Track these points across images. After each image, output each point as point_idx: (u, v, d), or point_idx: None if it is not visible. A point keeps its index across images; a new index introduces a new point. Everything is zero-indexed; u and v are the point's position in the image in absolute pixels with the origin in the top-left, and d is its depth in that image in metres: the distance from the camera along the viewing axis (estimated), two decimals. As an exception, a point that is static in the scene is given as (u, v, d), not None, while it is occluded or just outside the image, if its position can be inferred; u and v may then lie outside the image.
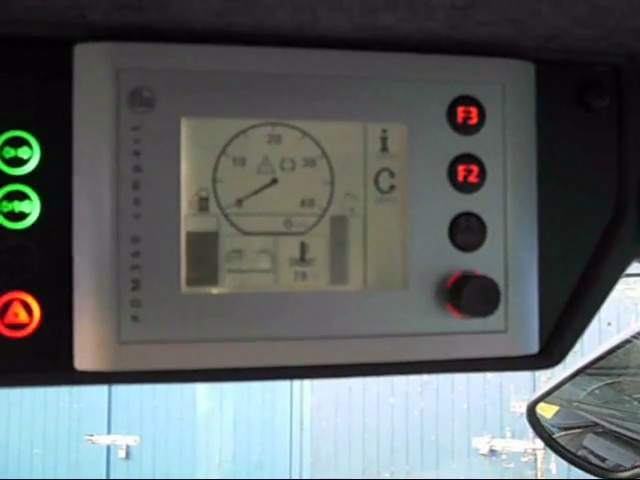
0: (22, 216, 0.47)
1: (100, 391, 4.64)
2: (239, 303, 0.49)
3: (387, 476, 4.50)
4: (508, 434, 4.38)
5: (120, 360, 0.47)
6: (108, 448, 4.73)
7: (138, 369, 0.48)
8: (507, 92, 0.51)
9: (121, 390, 4.63)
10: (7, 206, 0.47)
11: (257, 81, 0.49)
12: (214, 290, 0.49)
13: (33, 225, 0.47)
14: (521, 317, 0.52)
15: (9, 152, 0.47)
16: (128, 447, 4.71)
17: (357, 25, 0.46)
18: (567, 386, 1.41)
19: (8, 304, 0.47)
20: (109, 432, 4.72)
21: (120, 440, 4.69)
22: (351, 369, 0.50)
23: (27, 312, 0.47)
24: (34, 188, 0.47)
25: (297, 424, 4.64)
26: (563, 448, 1.46)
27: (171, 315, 0.48)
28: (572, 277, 0.55)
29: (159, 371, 0.48)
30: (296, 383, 4.55)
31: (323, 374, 0.51)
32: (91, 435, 4.69)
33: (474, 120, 0.51)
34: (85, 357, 0.47)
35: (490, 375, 4.34)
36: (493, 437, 4.40)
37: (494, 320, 0.51)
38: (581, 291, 0.54)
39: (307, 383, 4.54)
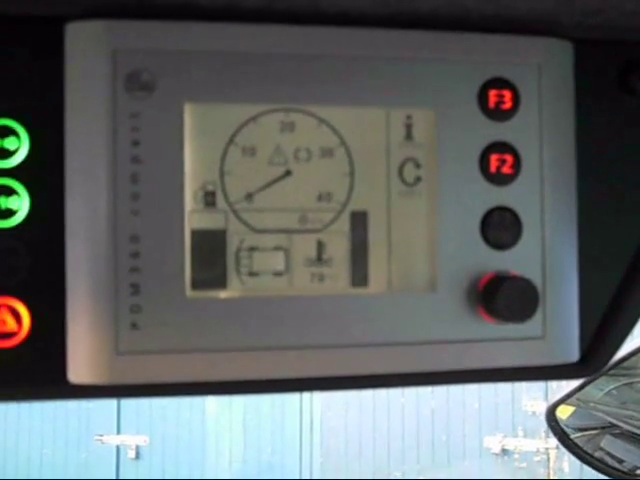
0: (9, 213, 0.43)
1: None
2: (249, 308, 0.45)
3: (398, 476, 4.51)
4: (520, 433, 4.39)
5: (118, 372, 0.43)
6: (118, 448, 4.77)
7: (137, 382, 0.44)
8: (543, 74, 0.47)
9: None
10: None
11: (268, 63, 0.45)
12: (222, 294, 0.45)
13: (22, 223, 0.44)
14: (560, 322, 0.48)
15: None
16: (138, 447, 4.75)
17: (380, 0, 0.42)
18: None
19: None
20: (119, 432, 4.76)
21: (130, 440, 4.73)
22: (374, 380, 0.47)
23: (16, 319, 0.43)
24: (22, 182, 0.44)
25: (307, 424, 4.66)
26: (580, 449, 1.45)
27: (174, 322, 0.44)
28: (614, 278, 0.51)
29: (160, 384, 0.44)
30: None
31: (344, 386, 0.47)
32: (101, 435, 4.73)
33: (508, 105, 0.47)
34: (79, 369, 0.44)
35: (502, 374, 4.33)
36: (505, 436, 4.41)
37: (531, 325, 0.47)
38: (624, 292, 0.51)
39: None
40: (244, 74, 0.44)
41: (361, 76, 0.46)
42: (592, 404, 1.50)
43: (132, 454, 4.76)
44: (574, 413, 1.49)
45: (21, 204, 0.43)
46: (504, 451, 4.42)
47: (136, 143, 0.43)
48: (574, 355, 0.49)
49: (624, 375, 1.46)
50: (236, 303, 0.45)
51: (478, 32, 0.46)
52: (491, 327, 0.46)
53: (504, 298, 0.45)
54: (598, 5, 0.43)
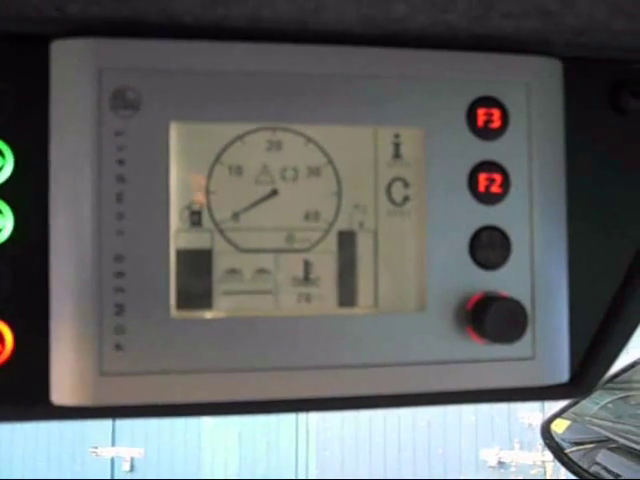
0: None
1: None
2: (235, 329, 0.44)
3: (394, 489, 4.49)
4: (517, 446, 4.37)
5: (102, 393, 0.43)
6: (112, 460, 4.73)
7: (121, 403, 0.43)
8: (532, 92, 0.47)
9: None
10: None
11: (255, 81, 0.44)
12: (207, 314, 0.44)
13: (5, 243, 0.43)
14: (550, 343, 0.47)
15: None
16: (132, 459, 4.71)
17: (366, 17, 0.42)
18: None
19: None
20: (113, 444, 4.72)
21: (124, 452, 4.69)
22: (362, 401, 0.46)
23: None
24: (6, 201, 0.43)
25: (303, 436, 4.63)
26: (575, 464, 1.44)
27: (159, 343, 0.43)
28: (604, 298, 0.50)
29: (145, 405, 0.44)
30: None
31: (332, 407, 0.46)
32: (95, 447, 4.69)
33: (496, 123, 0.47)
34: (63, 390, 0.43)
35: (498, 386, 4.32)
36: (501, 449, 4.39)
37: (520, 346, 0.46)
38: (614, 313, 0.50)
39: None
40: (230, 93, 0.44)
41: (349, 94, 0.45)
42: (588, 418, 1.49)
43: (127, 466, 4.72)
44: (570, 427, 1.48)
45: (4, 223, 0.43)
46: (500, 464, 4.40)
47: (121, 162, 0.43)
48: (564, 376, 0.48)
49: (620, 389, 1.45)
50: (222, 323, 0.44)
51: (467, 51, 0.46)
52: (480, 348, 0.46)
53: (493, 319, 0.44)
54: (586, 25, 0.43)
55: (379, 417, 4.53)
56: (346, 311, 0.46)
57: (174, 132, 0.44)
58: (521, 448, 4.36)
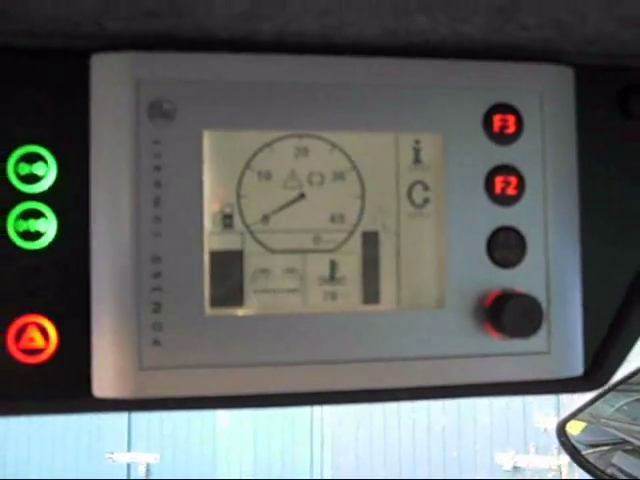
0: (38, 235, 0.45)
1: (120, 408, 4.66)
2: (266, 325, 0.46)
3: (410, 493, 4.47)
4: (532, 450, 4.34)
5: (141, 387, 0.45)
6: (128, 466, 4.73)
7: (160, 396, 0.45)
8: (546, 99, 0.49)
9: (141, 408, 4.64)
10: (22, 225, 0.45)
11: (283, 91, 0.46)
12: (239, 312, 0.46)
13: (49, 245, 0.45)
14: (565, 337, 0.49)
15: (24, 168, 0.45)
16: (148, 465, 4.71)
17: (388, 30, 0.44)
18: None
19: (23, 328, 0.45)
20: (129, 450, 4.72)
21: (140, 458, 4.69)
22: (386, 394, 0.48)
23: (43, 336, 0.45)
24: (50, 206, 0.46)
25: (318, 440, 4.62)
26: (593, 466, 1.43)
27: (194, 339, 0.45)
28: (618, 293, 0.52)
29: (182, 398, 0.46)
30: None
31: (356, 399, 0.48)
32: (111, 453, 4.69)
33: (512, 129, 0.48)
34: (104, 384, 0.45)
35: (513, 390, 4.30)
36: (517, 453, 4.36)
37: (536, 341, 0.48)
38: (626, 308, 0.52)
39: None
40: (260, 102, 0.46)
41: (371, 103, 0.47)
42: (603, 420, 1.49)
43: (142, 471, 4.72)
44: (586, 429, 1.48)
45: (49, 227, 0.45)
46: (515, 468, 4.37)
47: (158, 168, 0.45)
48: (578, 369, 0.50)
49: (635, 391, 1.45)
50: (253, 320, 0.46)
51: (483, 60, 0.48)
52: (498, 343, 0.48)
53: (510, 315, 0.46)
54: (597, 34, 0.45)
55: (394, 420, 4.52)
56: (370, 308, 0.48)
57: (207, 140, 0.46)
58: (536, 452, 4.33)
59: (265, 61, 0.46)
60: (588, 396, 1.32)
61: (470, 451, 4.45)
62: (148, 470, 4.72)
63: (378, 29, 0.43)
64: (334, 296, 0.48)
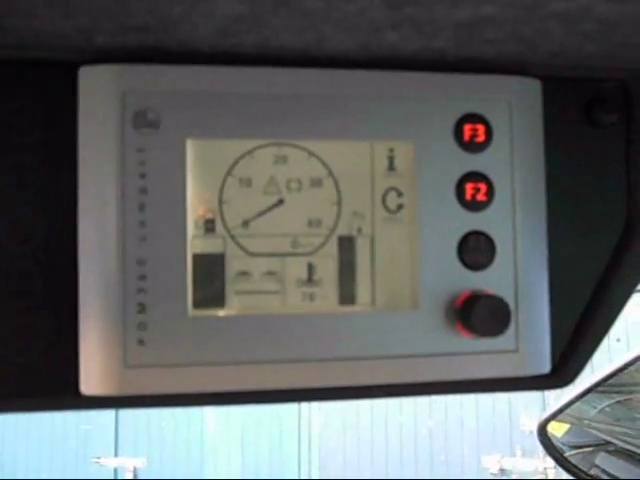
0: (27, 239, 0.47)
1: (107, 412, 4.64)
2: (246, 325, 0.48)
3: (397, 496, 4.47)
4: (518, 452, 4.36)
5: (127, 384, 0.47)
6: (115, 470, 4.71)
7: (145, 393, 0.47)
8: (514, 109, 0.51)
9: (127, 411, 4.62)
10: (12, 229, 0.47)
11: (263, 101, 0.48)
12: (221, 312, 0.48)
13: (38, 247, 0.47)
14: (532, 336, 0.51)
15: (18, 174, 0.47)
16: (135, 469, 4.69)
17: (363, 44, 0.46)
18: (578, 404, 1.40)
19: (14, 327, 0.46)
20: (116, 454, 4.71)
21: (127, 462, 4.68)
22: (361, 391, 0.50)
23: (32, 335, 0.47)
24: (39, 211, 0.47)
25: (305, 443, 4.62)
26: (575, 467, 1.45)
27: (178, 338, 0.47)
28: (583, 295, 0.54)
29: (166, 395, 0.48)
30: (304, 403, 4.54)
31: (333, 396, 0.50)
32: (98, 457, 4.68)
33: (481, 138, 0.50)
34: (91, 381, 0.47)
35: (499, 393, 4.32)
36: (503, 456, 4.37)
37: (505, 340, 0.50)
38: (592, 309, 0.54)
39: (314, 403, 4.52)
40: (241, 112, 0.48)
41: (347, 113, 0.49)
42: (586, 422, 1.51)
43: (130, 476, 4.71)
44: (569, 431, 1.50)
45: (37, 230, 0.47)
46: (502, 471, 4.39)
47: (143, 175, 0.47)
48: (546, 367, 0.52)
49: (617, 392, 1.47)
50: (234, 320, 0.48)
51: (453, 72, 0.50)
52: (468, 341, 0.50)
53: (479, 315, 0.48)
54: (561, 49, 0.47)
55: (381, 423, 4.53)
56: (346, 309, 0.50)
57: (190, 148, 0.48)
58: (523, 455, 4.35)
59: (246, 73, 0.48)
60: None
61: (457, 454, 4.47)
62: (135, 474, 4.71)
63: (353, 44, 0.45)
64: (312, 297, 0.49)
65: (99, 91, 0.47)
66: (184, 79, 0.47)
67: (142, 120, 0.47)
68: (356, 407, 4.50)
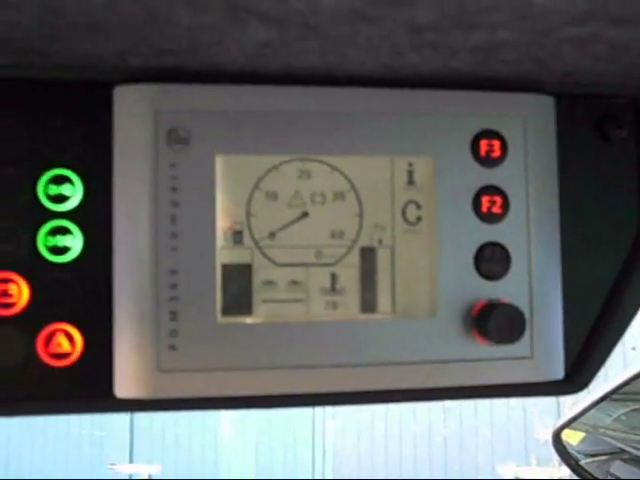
0: (65, 250, 0.49)
1: (122, 419, 4.66)
2: (272, 332, 0.50)
3: (411, 505, 4.46)
4: (533, 461, 4.33)
5: (158, 388, 0.49)
6: (130, 477, 4.71)
7: (176, 396, 0.49)
8: (528, 125, 0.53)
9: (143, 418, 4.64)
10: (51, 240, 0.49)
11: (288, 119, 0.51)
12: (248, 320, 0.50)
13: (76, 258, 0.50)
14: (546, 343, 0.53)
15: (53, 189, 0.49)
16: (150, 476, 4.69)
17: (384, 64, 0.48)
18: (593, 412, 1.40)
19: (52, 334, 0.49)
20: (131, 461, 4.71)
21: (142, 469, 4.68)
22: (381, 395, 0.52)
23: (70, 342, 0.49)
24: (77, 223, 0.50)
25: (319, 452, 4.61)
26: (590, 475, 1.45)
27: (207, 344, 0.49)
28: (596, 303, 0.56)
29: (196, 398, 0.50)
30: (318, 411, 4.54)
31: (355, 401, 0.52)
32: (113, 464, 4.68)
33: (497, 153, 0.52)
34: (125, 385, 0.49)
35: (514, 401, 4.30)
36: (518, 465, 4.35)
37: (520, 346, 0.52)
38: (605, 317, 0.56)
39: (329, 410, 4.52)
40: (267, 129, 0.50)
41: (369, 129, 0.51)
42: (602, 430, 1.51)
43: None
44: (584, 439, 1.50)
45: (75, 242, 0.49)
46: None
47: (174, 189, 0.49)
48: (559, 373, 0.54)
49: (632, 400, 1.46)
50: (261, 327, 0.50)
51: (470, 90, 0.52)
52: (484, 348, 0.52)
53: (495, 323, 0.50)
54: (573, 67, 0.49)
55: (395, 432, 4.52)
56: (367, 317, 0.52)
57: (219, 163, 0.50)
58: (538, 464, 4.32)
59: (272, 92, 0.50)
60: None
61: (471, 463, 4.45)
62: (150, 481, 4.71)
63: (375, 64, 0.48)
64: (334, 306, 0.51)
65: (133, 109, 0.50)
66: (213, 98, 0.50)
67: (174, 137, 0.49)
68: (370, 416, 4.50)
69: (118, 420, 4.66)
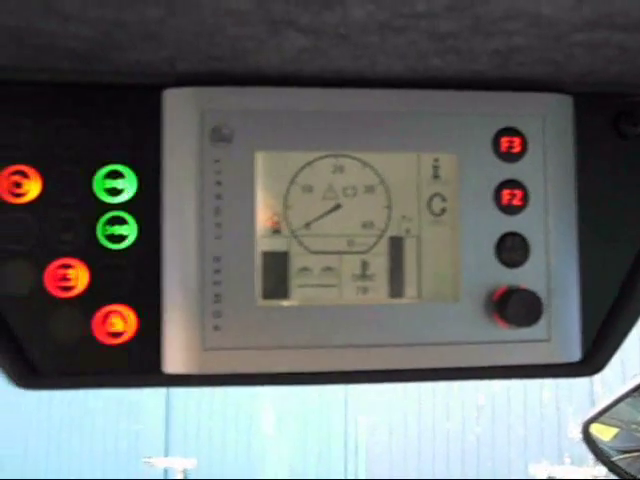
0: (121, 238, 0.54)
1: (158, 413, 4.72)
2: (307, 314, 0.54)
3: (443, 503, 4.45)
4: (567, 460, 4.28)
5: (204, 364, 0.53)
6: (165, 471, 4.75)
7: (219, 372, 0.54)
8: (547, 123, 0.56)
9: (178, 411, 4.69)
10: (109, 230, 0.54)
11: (322, 118, 0.55)
12: (285, 303, 0.54)
13: (130, 246, 0.54)
14: (563, 327, 0.56)
15: (109, 183, 0.54)
16: (185, 470, 4.73)
17: (410, 68, 0.52)
18: (625, 408, 1.40)
19: (107, 315, 0.54)
20: (166, 454, 4.76)
21: (177, 463, 4.72)
22: (407, 374, 0.55)
23: (124, 322, 0.54)
24: (131, 214, 0.54)
25: (352, 449, 4.62)
26: (622, 471, 1.45)
27: (248, 325, 0.53)
28: (612, 288, 0.58)
29: (237, 374, 0.54)
30: (351, 408, 4.56)
31: (383, 379, 0.56)
32: (149, 457, 4.74)
33: (517, 149, 0.56)
34: (173, 362, 0.53)
35: (547, 399, 4.28)
36: (551, 464, 4.31)
37: (538, 330, 0.55)
38: (621, 301, 0.58)
39: (362, 408, 4.54)
40: (303, 128, 0.54)
41: (397, 128, 0.55)
42: (634, 425, 1.51)
43: (180, 476, 4.74)
44: (617, 435, 1.50)
45: (130, 231, 0.54)
46: (550, 479, 4.32)
47: (218, 183, 0.54)
48: (576, 355, 0.57)
49: (664, 396, 1.46)
50: (297, 310, 0.54)
51: (492, 90, 0.56)
52: (504, 331, 0.55)
53: (514, 307, 0.54)
54: (587, 68, 0.52)
55: (428, 430, 4.51)
56: (395, 301, 0.55)
57: (259, 159, 0.54)
58: (572, 463, 4.28)
59: (307, 93, 0.54)
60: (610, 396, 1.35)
61: (504, 461, 4.42)
62: (185, 475, 4.74)
63: (402, 67, 0.51)
64: (365, 291, 0.55)
65: (180, 110, 0.54)
66: (254, 99, 0.54)
67: (218, 135, 0.54)
68: (403, 413, 4.51)
69: (154, 414, 4.71)
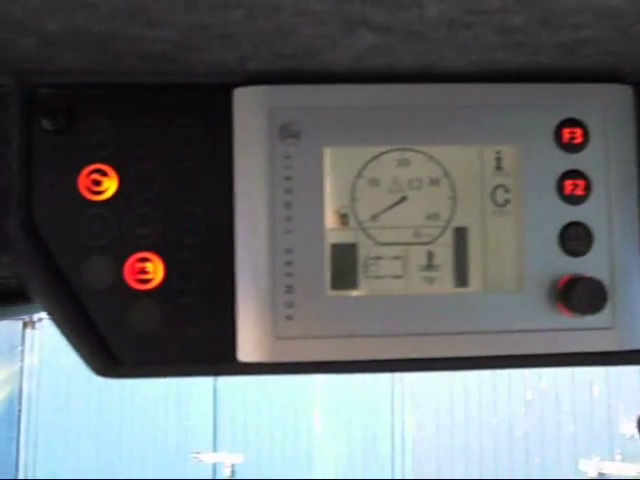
0: (196, 232, 0.56)
1: (206, 409, 4.77)
2: (375, 304, 0.56)
3: (491, 498, 4.42)
4: (618, 457, 4.22)
5: (277, 353, 0.55)
6: (214, 466, 4.79)
7: (291, 360, 0.55)
8: (608, 113, 0.57)
9: (226, 407, 4.74)
10: (183, 224, 0.56)
11: (388, 113, 0.56)
12: (354, 293, 0.56)
13: (204, 239, 0.56)
14: (628, 314, 0.56)
15: (181, 180, 0.56)
16: (233, 465, 4.77)
17: (473, 62, 0.53)
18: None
19: (184, 305, 0.56)
20: (215, 450, 4.81)
21: (225, 459, 4.76)
22: (473, 362, 0.57)
23: (198, 312, 0.56)
24: (205, 209, 0.56)
25: (399, 444, 4.61)
26: None
27: (318, 315, 0.55)
28: None
29: (307, 362, 0.56)
30: (398, 403, 4.56)
31: (448, 366, 0.57)
32: (198, 453, 4.79)
33: (579, 140, 0.56)
34: (247, 350, 0.56)
35: (597, 394, 4.22)
36: (602, 460, 4.25)
37: (602, 317, 0.56)
38: None
39: (409, 407, 4.53)
40: (369, 123, 0.56)
41: (460, 121, 0.56)
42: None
43: (228, 472, 4.78)
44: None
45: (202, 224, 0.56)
46: (601, 475, 4.26)
47: (288, 178, 0.56)
48: None
49: None
50: (365, 300, 0.56)
51: (554, 82, 0.56)
52: (569, 319, 0.56)
53: (578, 296, 0.54)
54: None
55: (475, 424, 4.49)
56: (460, 290, 0.57)
57: (327, 154, 0.56)
58: (623, 460, 4.21)
59: (373, 89, 0.56)
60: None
61: (553, 457, 4.36)
62: (233, 471, 4.78)
63: (465, 62, 0.53)
64: (431, 280, 0.57)
65: (251, 108, 0.56)
66: (321, 96, 0.56)
67: (287, 132, 0.56)
68: (449, 408, 4.49)
69: (202, 410, 4.77)
